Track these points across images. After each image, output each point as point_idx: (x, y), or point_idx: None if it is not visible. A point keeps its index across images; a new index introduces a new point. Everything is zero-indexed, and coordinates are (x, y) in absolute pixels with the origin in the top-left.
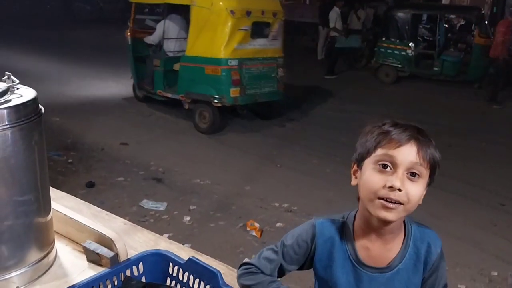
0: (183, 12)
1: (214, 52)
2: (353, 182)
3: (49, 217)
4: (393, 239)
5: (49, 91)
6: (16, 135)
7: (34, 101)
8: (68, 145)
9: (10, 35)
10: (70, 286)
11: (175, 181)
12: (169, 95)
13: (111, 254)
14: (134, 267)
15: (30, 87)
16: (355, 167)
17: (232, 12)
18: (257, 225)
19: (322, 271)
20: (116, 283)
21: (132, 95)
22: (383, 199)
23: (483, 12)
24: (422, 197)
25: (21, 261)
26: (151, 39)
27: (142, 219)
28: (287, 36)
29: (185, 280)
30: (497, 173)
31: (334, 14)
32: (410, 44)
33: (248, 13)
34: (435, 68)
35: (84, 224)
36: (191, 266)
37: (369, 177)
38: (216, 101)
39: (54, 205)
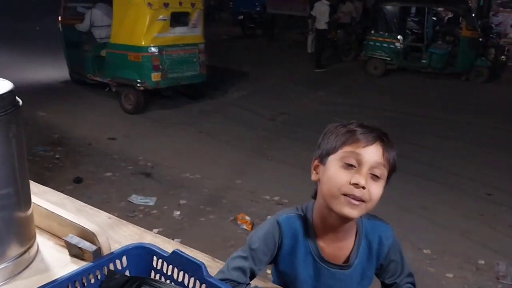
0: (110, 0)
1: (135, 40)
2: (314, 177)
3: (30, 211)
4: (347, 236)
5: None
6: None
7: (11, 93)
8: (55, 140)
9: None
10: (52, 281)
11: (165, 176)
12: (98, 79)
13: (94, 248)
14: (118, 261)
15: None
16: (316, 162)
17: (149, 4)
18: (247, 218)
19: (283, 266)
20: (99, 277)
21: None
22: (347, 195)
23: (470, 5)
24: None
25: (1, 256)
26: (81, 27)
27: (131, 214)
28: (276, 30)
29: (169, 273)
30: (484, 164)
31: (323, 7)
32: (398, 37)
33: (166, 5)
34: (423, 61)
35: (66, 218)
36: (176, 259)
37: (334, 173)
38: (139, 85)
39: (35, 199)
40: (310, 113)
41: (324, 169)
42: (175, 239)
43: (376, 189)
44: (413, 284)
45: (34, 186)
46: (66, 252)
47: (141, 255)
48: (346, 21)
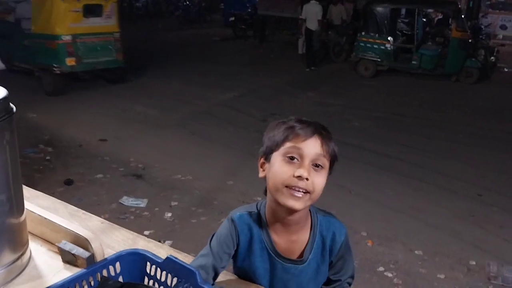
0: None
1: (51, 30)
2: (261, 174)
3: (23, 217)
4: (299, 230)
5: None
6: None
7: (4, 100)
8: (45, 142)
9: None
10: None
11: (156, 177)
12: (23, 65)
13: (87, 254)
14: (111, 267)
15: None
16: (262, 160)
17: None
18: None
19: (241, 261)
20: (92, 284)
21: None
22: (291, 188)
23: (459, 6)
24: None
25: None
26: (13, 18)
27: (122, 216)
28: (267, 31)
29: (163, 279)
30: (474, 165)
31: (316, 7)
32: (389, 38)
33: None
34: (413, 62)
35: (59, 224)
36: (169, 265)
37: (278, 168)
38: (55, 69)
39: (28, 205)
40: (301, 114)
41: (269, 165)
42: (166, 241)
43: (319, 179)
44: (350, 284)
45: (25, 190)
46: (59, 258)
47: (134, 261)
48: (337, 22)
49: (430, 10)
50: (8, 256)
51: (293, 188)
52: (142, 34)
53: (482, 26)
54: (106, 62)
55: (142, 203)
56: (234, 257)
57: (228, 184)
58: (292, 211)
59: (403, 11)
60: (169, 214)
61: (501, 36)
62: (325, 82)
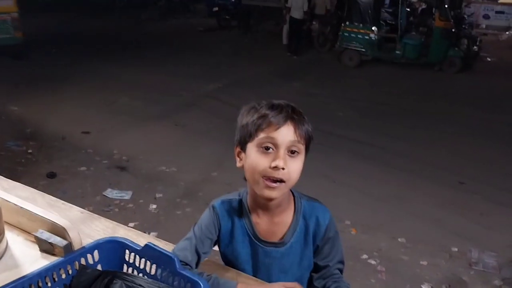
0: None
1: None
2: (239, 164)
3: None
4: (281, 214)
5: None
6: None
7: None
8: (28, 135)
9: None
10: (21, 277)
11: (140, 169)
12: None
13: (64, 243)
14: (89, 255)
15: None
16: (238, 149)
17: None
18: None
19: (224, 247)
20: (70, 272)
21: None
22: (267, 178)
23: None
24: (301, 170)
25: None
26: None
27: (106, 208)
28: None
29: (142, 267)
30: (457, 153)
31: None
32: (373, 28)
33: None
34: (397, 52)
35: (36, 214)
36: (148, 252)
37: (254, 159)
38: None
39: (4, 195)
40: None
41: (245, 156)
42: (151, 233)
43: (295, 166)
44: (341, 270)
45: (4, 182)
46: (36, 247)
47: (113, 249)
48: (321, 12)
49: (413, 0)
50: None
51: (269, 178)
52: (125, 25)
53: (465, 16)
54: (4, 39)
55: (127, 195)
56: (218, 243)
57: (213, 175)
58: (270, 199)
59: (387, 0)
60: (154, 206)
61: (484, 26)
62: (310, 72)
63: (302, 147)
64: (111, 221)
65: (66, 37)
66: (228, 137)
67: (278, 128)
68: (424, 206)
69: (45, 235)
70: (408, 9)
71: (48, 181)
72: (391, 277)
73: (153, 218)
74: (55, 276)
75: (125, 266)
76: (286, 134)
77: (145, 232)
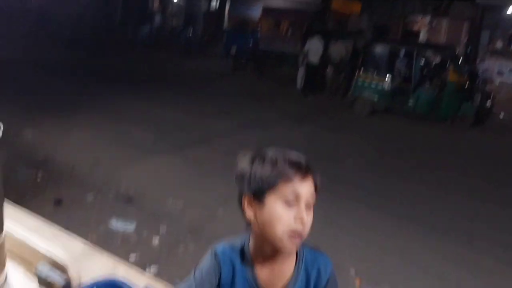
0: None
1: None
2: (249, 214)
3: (1, 239)
4: (283, 263)
5: None
6: None
7: None
8: (38, 161)
9: None
10: None
11: (146, 202)
12: None
13: (63, 282)
14: None
15: None
16: (250, 199)
17: None
18: None
19: None
20: None
21: None
22: (291, 232)
23: (457, 51)
24: None
25: None
26: None
27: (109, 239)
28: (267, 66)
29: None
30: (467, 209)
31: (318, 43)
32: (386, 79)
33: None
34: (410, 104)
35: (38, 249)
36: None
37: (279, 213)
38: None
39: (10, 225)
40: (295, 149)
41: (261, 206)
42: (152, 266)
43: (310, 218)
44: None
45: (12, 209)
46: (35, 281)
47: None
48: (336, 59)
49: (428, 53)
50: None
51: (294, 232)
52: (144, 65)
53: (479, 71)
54: None
55: (131, 227)
56: None
57: (219, 213)
58: (291, 252)
59: (402, 52)
60: (157, 240)
61: (497, 83)
62: (321, 118)
63: (315, 199)
64: (112, 257)
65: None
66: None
67: (301, 181)
68: (431, 261)
69: (45, 272)
70: (422, 62)
71: (54, 208)
72: None
73: (155, 252)
74: None
75: None
76: (307, 187)
77: (146, 265)
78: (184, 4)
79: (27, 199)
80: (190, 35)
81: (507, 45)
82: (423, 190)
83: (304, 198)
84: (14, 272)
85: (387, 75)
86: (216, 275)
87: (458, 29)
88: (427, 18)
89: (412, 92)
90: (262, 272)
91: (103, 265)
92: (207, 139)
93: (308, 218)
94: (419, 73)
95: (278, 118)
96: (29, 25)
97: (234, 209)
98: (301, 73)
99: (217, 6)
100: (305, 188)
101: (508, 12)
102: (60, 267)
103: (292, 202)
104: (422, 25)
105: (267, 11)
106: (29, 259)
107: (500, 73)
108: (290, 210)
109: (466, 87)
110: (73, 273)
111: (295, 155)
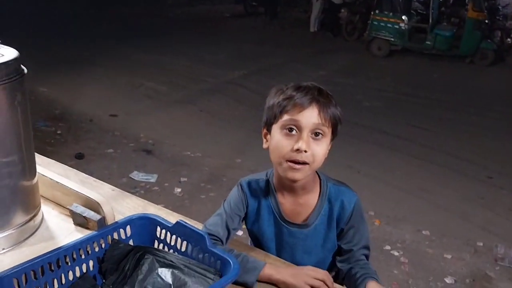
0: None
1: None
2: (265, 145)
3: (35, 180)
4: (306, 195)
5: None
6: None
7: (16, 61)
8: (56, 116)
9: None
10: (57, 248)
11: (166, 153)
12: None
13: (98, 217)
14: (122, 230)
15: None
16: (265, 130)
17: None
18: None
19: (251, 224)
20: (103, 246)
21: None
22: (290, 161)
23: None
24: (327, 153)
25: (6, 223)
26: None
27: (132, 190)
28: (279, 8)
29: (172, 243)
30: (485, 147)
31: None
32: (403, 18)
33: None
34: (428, 42)
35: (71, 188)
36: (179, 229)
37: (278, 141)
38: None
39: (40, 169)
40: None
41: (270, 137)
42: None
43: (318, 149)
44: (367, 256)
45: (38, 158)
46: (70, 221)
47: (145, 225)
48: (350, 0)
49: None
50: (21, 217)
51: (293, 161)
52: (151, 9)
53: (500, 7)
54: None
55: (152, 178)
56: (245, 220)
57: (237, 162)
58: (293, 180)
59: None
60: (179, 190)
61: None
62: (337, 61)
63: (327, 130)
64: (141, 199)
65: (91, 20)
66: (252, 124)
67: (302, 110)
68: (450, 199)
69: (80, 209)
70: None
71: (75, 161)
72: (414, 269)
73: (177, 201)
74: (88, 249)
75: (156, 242)
76: (309, 116)
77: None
78: None
79: (48, 154)
80: None
81: None
82: (442, 130)
83: (307, 128)
84: (49, 214)
85: (404, 14)
86: (243, 206)
87: None
88: None
89: (430, 31)
90: (286, 203)
91: (134, 206)
92: (221, 88)
93: (315, 147)
94: (437, 11)
95: (292, 63)
96: None
97: (252, 158)
98: (313, 16)
99: None
100: (307, 117)
101: None
102: (93, 206)
103: (293, 131)
104: None
105: None
106: (62, 200)
107: None
108: (291, 139)
109: (486, 24)
110: (106, 210)
111: (307, 84)
